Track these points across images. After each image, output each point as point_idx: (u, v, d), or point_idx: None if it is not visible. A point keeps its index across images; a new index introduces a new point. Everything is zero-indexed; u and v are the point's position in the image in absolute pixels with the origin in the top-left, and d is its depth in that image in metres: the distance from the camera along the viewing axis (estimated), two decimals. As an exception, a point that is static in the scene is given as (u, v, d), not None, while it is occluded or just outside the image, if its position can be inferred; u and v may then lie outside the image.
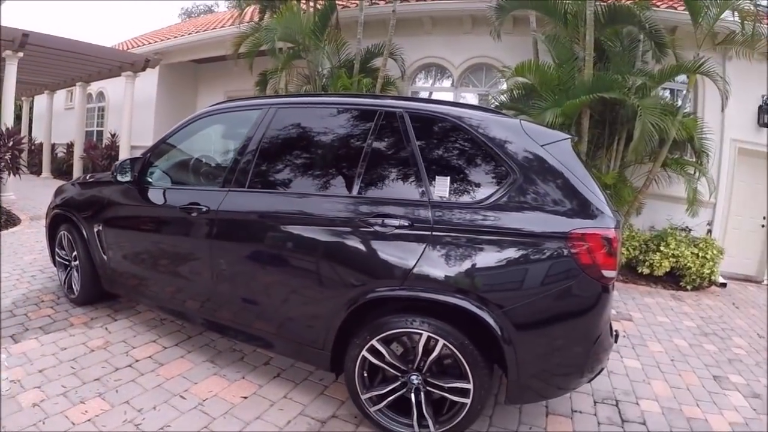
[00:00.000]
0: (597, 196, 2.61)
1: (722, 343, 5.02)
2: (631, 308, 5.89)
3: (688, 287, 7.16)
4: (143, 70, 13.05)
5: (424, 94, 10.61)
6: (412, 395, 2.74)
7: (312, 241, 2.95)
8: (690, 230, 7.77)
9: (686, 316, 5.88)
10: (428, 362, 2.69)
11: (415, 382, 2.72)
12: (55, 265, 5.00)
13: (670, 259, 7.15)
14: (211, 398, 3.21)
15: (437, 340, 2.60)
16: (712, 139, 7.80)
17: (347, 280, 2.84)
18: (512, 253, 2.52)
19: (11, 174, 9.47)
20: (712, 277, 7.35)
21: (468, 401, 2.62)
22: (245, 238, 3.30)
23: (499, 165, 2.68)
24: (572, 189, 2.59)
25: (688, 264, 7.07)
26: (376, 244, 2.75)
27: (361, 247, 2.79)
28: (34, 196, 11.45)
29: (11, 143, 9.24)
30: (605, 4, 7.35)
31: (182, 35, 13.71)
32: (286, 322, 3.19)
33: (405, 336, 2.81)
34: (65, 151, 16.42)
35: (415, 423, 2.73)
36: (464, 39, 9.70)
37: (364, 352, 2.79)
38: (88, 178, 5.09)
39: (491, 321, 2.49)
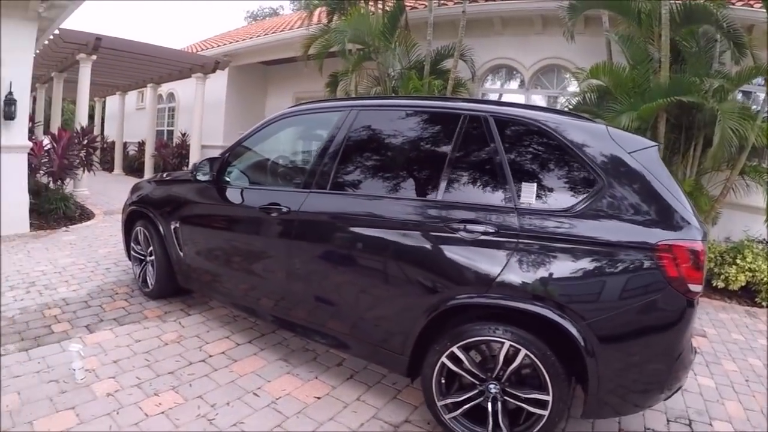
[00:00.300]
0: (684, 206, 2.58)
1: None
2: (705, 323, 5.72)
3: (764, 304, 6.83)
4: (213, 71, 13.50)
5: (494, 96, 10.67)
6: (489, 404, 2.72)
7: (394, 245, 2.98)
8: (768, 243, 7.52)
9: (761, 334, 5.64)
10: (508, 371, 2.67)
11: (493, 391, 2.71)
12: (130, 259, 5.26)
13: (746, 273, 6.85)
14: (284, 397, 3.28)
15: (519, 350, 2.58)
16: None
17: (429, 285, 2.85)
18: (598, 263, 2.50)
19: (85, 170, 10.28)
20: None
21: (546, 413, 2.60)
22: (326, 240, 3.33)
23: (585, 172, 2.66)
24: (659, 198, 2.56)
25: (765, 279, 6.79)
26: (460, 250, 2.74)
27: (445, 252, 2.79)
28: (106, 191, 12.20)
29: (86, 141, 10.00)
30: (680, 2, 7.19)
31: (250, 37, 14.22)
32: (365, 324, 3.22)
33: (484, 344, 2.79)
34: (136, 149, 17.23)
35: (490, 430, 2.73)
36: (535, 39, 9.70)
37: (443, 359, 2.79)
38: (164, 176, 5.33)
39: (575, 332, 2.46)
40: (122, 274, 5.61)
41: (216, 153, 12.57)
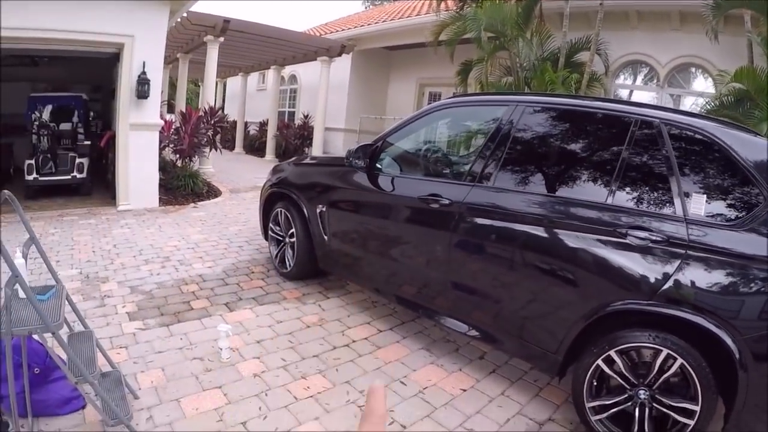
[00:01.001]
0: None
1: None
2: None
3: None
4: (339, 55, 14.27)
5: (625, 93, 10.90)
6: (637, 410, 2.78)
7: (559, 245, 3.07)
8: None
9: None
10: (661, 379, 2.73)
11: (642, 397, 2.76)
12: (266, 240, 5.56)
13: None
14: (431, 387, 3.39)
15: (676, 359, 2.63)
16: None
17: (593, 288, 2.94)
18: (758, 279, 2.50)
19: (212, 149, 10.75)
20: None
21: (692, 423, 2.62)
22: (490, 236, 3.40)
23: (752, 187, 2.67)
24: None
25: None
26: (627, 256, 2.81)
27: (612, 257, 2.86)
28: (229, 170, 12.92)
29: (214, 121, 10.50)
30: None
31: (375, 22, 14.73)
32: (522, 322, 3.31)
33: (642, 350, 2.81)
34: (257, 129, 18.26)
35: None
36: (672, 36, 9.69)
37: (599, 361, 2.86)
38: (308, 159, 5.61)
39: (731, 344, 2.47)
40: (256, 253, 5.91)
41: (339, 135, 14.62)
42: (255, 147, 18.08)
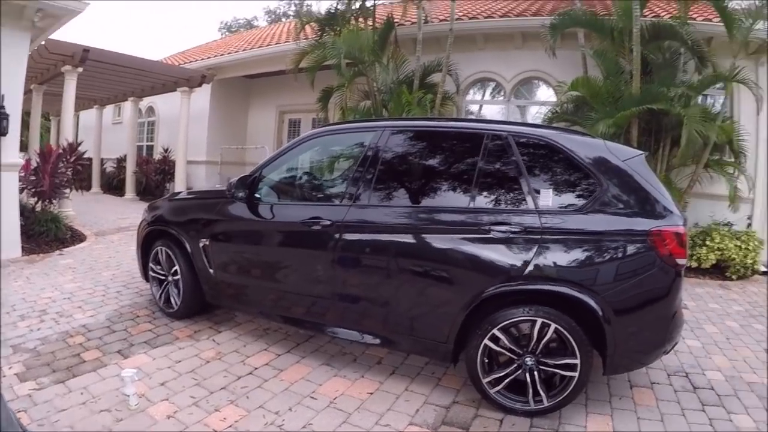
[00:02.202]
0: (667, 199, 3.36)
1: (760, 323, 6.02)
2: (685, 298, 6.42)
3: (734, 277, 8.27)
4: (199, 85, 13.90)
5: (475, 107, 11.84)
6: (527, 375, 3.31)
7: (432, 248, 3.56)
8: (732, 225, 8.86)
9: (734, 302, 6.90)
10: (541, 345, 3.29)
11: (529, 363, 3.30)
12: (147, 281, 5.40)
13: (716, 252, 8.22)
14: (340, 396, 3.61)
15: (550, 325, 3.22)
16: (748, 141, 8.93)
17: (470, 280, 3.42)
18: (606, 249, 3.23)
19: (73, 189, 9.97)
20: (755, 267, 8.51)
21: (576, 374, 3.23)
22: (372, 249, 3.79)
23: (590, 178, 3.38)
24: (649, 195, 3.32)
25: (732, 256, 8.17)
26: (493, 248, 3.36)
27: (480, 251, 3.40)
28: (89, 211, 12.03)
29: (73, 159, 9.71)
30: (649, 21, 8.55)
31: (236, 51, 14.72)
32: (413, 322, 3.70)
33: (521, 324, 3.37)
34: (115, 166, 17.37)
35: (530, 399, 3.32)
36: (515, 54, 10.79)
37: (486, 341, 3.35)
38: (185, 194, 5.58)
39: (594, 305, 3.15)
40: (136, 297, 5.70)
41: (201, 168, 14.41)
42: (113, 185, 17.22)
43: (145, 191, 15.51)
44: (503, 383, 3.40)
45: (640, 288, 3.25)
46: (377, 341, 3.89)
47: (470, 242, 3.44)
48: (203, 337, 4.60)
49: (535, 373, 3.31)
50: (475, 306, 3.39)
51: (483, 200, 3.57)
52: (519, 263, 3.29)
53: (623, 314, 3.21)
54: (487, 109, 11.85)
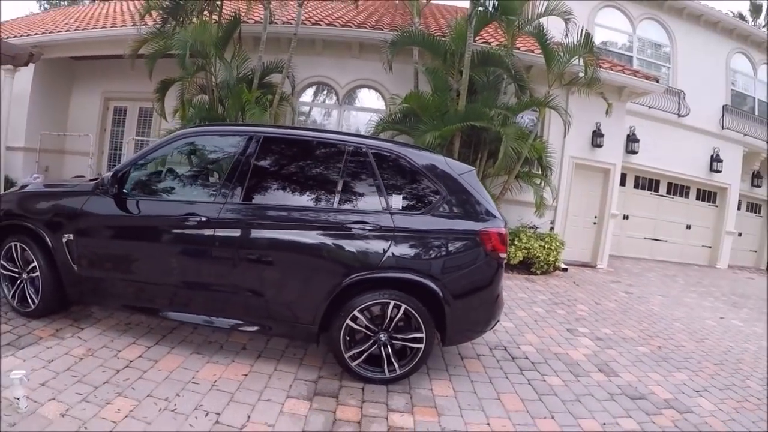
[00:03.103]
0: (492, 206, 4.28)
1: (569, 308, 7.40)
2: None
3: (538, 272, 9.76)
4: (26, 64, 11.97)
5: (309, 109, 12.37)
6: (382, 349, 4.01)
7: (299, 243, 4.04)
8: (537, 228, 10.37)
9: (539, 292, 8.21)
10: (393, 323, 4.00)
11: (383, 338, 4.01)
12: None
13: (523, 250, 9.58)
14: (219, 380, 3.90)
15: (401, 306, 3.95)
16: (555, 157, 10.44)
17: (335, 270, 3.98)
18: (446, 245, 4.06)
19: None
20: (557, 264, 10.07)
21: (422, 346, 4.01)
22: (246, 244, 4.13)
23: (432, 187, 4.17)
24: (477, 202, 4.19)
25: (537, 254, 9.62)
26: (353, 243, 3.98)
27: (342, 245, 3.99)
28: None
29: None
30: (479, 48, 9.66)
31: (68, 30, 13.40)
32: (284, 308, 4.15)
33: (373, 306, 4.01)
34: None
35: (386, 369, 4.01)
36: (352, 62, 11.48)
37: (347, 321, 3.97)
38: (42, 187, 5.38)
39: (437, 288, 3.93)
40: None
41: (18, 156, 13.36)
42: None
43: None
44: (362, 357, 4.06)
45: (471, 276, 4.14)
46: (255, 328, 4.29)
47: (333, 237, 4.02)
48: (68, 335, 4.47)
49: (389, 347, 4.04)
50: (339, 292, 3.98)
51: (345, 203, 4.16)
52: (375, 255, 3.97)
53: (458, 297, 4.05)
54: (319, 111, 12.49)
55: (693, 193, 15.52)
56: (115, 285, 4.55)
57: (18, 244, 4.67)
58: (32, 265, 4.60)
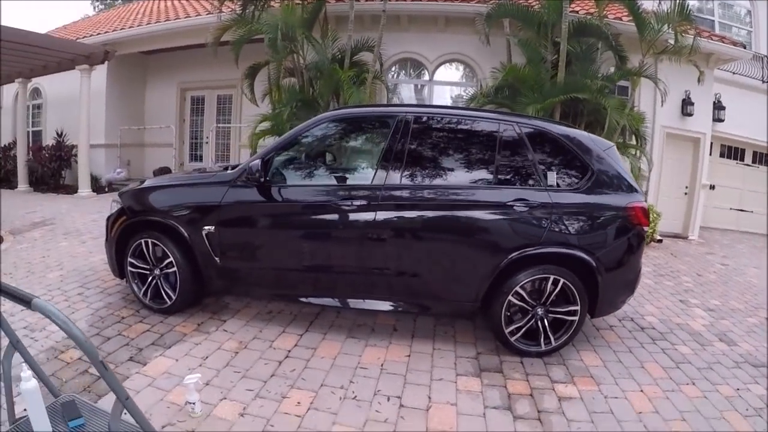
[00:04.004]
0: (633, 180, 4.41)
1: (675, 280, 7.53)
2: None
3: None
4: (102, 62, 12.82)
5: (401, 87, 12.47)
6: (539, 323, 4.18)
7: (468, 222, 4.15)
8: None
9: (643, 264, 8.22)
10: (552, 297, 4.16)
11: (540, 312, 4.18)
12: (121, 278, 5.04)
13: None
14: (385, 363, 4.01)
15: (559, 280, 4.10)
16: (648, 127, 10.36)
17: (497, 247, 4.11)
18: (599, 219, 4.20)
19: None
20: (653, 235, 10.15)
21: (576, 318, 4.18)
22: (409, 224, 4.23)
23: (581, 162, 4.26)
24: (621, 177, 4.32)
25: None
26: (517, 220, 4.09)
27: (509, 222, 4.10)
28: None
29: None
30: (575, 18, 9.67)
31: (139, 24, 13.79)
32: (447, 287, 4.31)
33: (534, 282, 4.15)
34: (0, 155, 15.46)
35: (541, 341, 4.18)
36: (438, 37, 11.48)
37: (510, 297, 4.12)
38: (169, 180, 5.36)
39: (593, 262, 4.08)
40: (104, 296, 5.24)
41: (100, 152, 13.94)
42: (0, 177, 14.63)
43: (38, 181, 14.12)
44: (520, 332, 4.23)
45: (620, 249, 4.27)
46: (414, 309, 4.54)
47: (497, 216, 4.14)
48: (212, 329, 4.50)
49: (545, 320, 4.20)
50: (503, 268, 4.12)
51: (503, 180, 4.28)
52: (536, 232, 4.10)
53: (609, 270, 4.19)
54: (409, 88, 12.54)
55: (782, 163, 15.10)
56: (262, 275, 4.65)
57: (149, 240, 4.68)
58: (167, 261, 4.62)
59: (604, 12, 9.76)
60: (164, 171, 13.17)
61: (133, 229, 4.78)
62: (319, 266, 4.48)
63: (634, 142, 10.02)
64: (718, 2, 14.49)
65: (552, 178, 4.25)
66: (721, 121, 12.89)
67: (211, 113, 15.02)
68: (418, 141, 4.43)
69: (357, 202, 4.20)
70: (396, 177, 4.28)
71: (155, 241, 4.66)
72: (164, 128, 14.37)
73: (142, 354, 4.01)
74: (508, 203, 4.11)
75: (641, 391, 3.88)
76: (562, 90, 8.79)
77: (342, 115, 4.98)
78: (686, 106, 11.35)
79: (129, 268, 4.81)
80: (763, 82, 13.75)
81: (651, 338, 4.97)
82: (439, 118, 4.67)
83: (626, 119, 9.09)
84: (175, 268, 4.59)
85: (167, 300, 4.69)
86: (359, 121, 5.07)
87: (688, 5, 9.07)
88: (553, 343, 4.22)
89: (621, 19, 10.23)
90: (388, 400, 3.51)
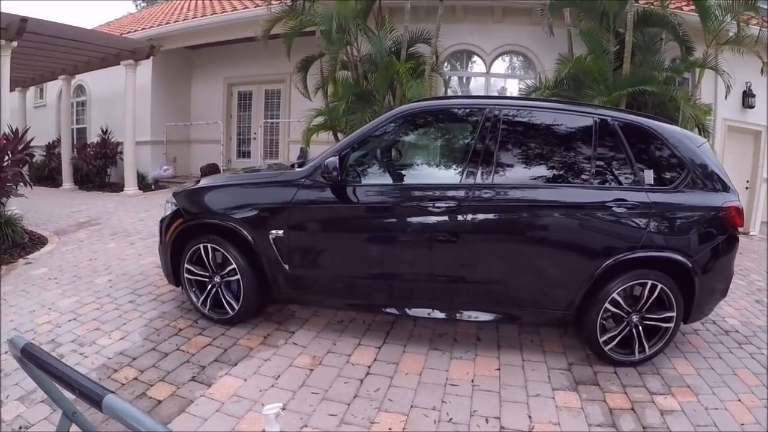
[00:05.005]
0: (728, 178, 4.16)
1: (745, 278, 7.29)
2: None
3: None
4: (147, 57, 12.84)
5: (456, 79, 12.51)
6: (634, 330, 3.96)
7: (567, 225, 3.97)
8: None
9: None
10: (648, 303, 3.95)
11: (635, 320, 3.96)
12: (177, 285, 4.78)
13: None
14: (475, 378, 3.80)
15: (657, 286, 3.88)
16: (710, 119, 10.23)
17: (596, 252, 3.92)
18: (696, 220, 4.04)
19: (23, 185, 7.84)
20: None
21: (672, 325, 3.98)
22: (504, 227, 4.09)
23: (677, 160, 4.07)
24: (717, 175, 4.11)
25: None
26: (615, 221, 3.90)
27: (607, 225, 3.92)
28: (31, 207, 9.69)
29: (21, 148, 7.70)
30: (641, 8, 9.63)
31: (184, 19, 13.96)
32: (538, 297, 4.12)
33: (632, 287, 3.96)
34: (44, 153, 15.53)
35: (636, 350, 3.97)
36: (494, 27, 11.48)
37: (606, 304, 3.90)
38: (227, 179, 5.10)
39: (690, 265, 3.87)
40: (158, 304, 4.97)
41: (146, 149, 14.15)
42: (44, 176, 15.19)
43: (84, 180, 14.29)
44: (615, 341, 4.02)
45: (716, 251, 4.05)
46: (500, 318, 4.26)
47: (595, 217, 3.96)
48: (280, 342, 4.24)
49: (640, 328, 3.98)
50: (601, 273, 3.92)
51: (600, 179, 4.09)
52: (635, 235, 3.90)
53: (705, 273, 3.99)
54: (463, 80, 12.62)
55: (836, 157, 15.11)
56: (339, 283, 4.39)
57: (208, 245, 4.38)
58: (229, 268, 4.34)
59: (667, 2, 9.70)
60: (212, 168, 13.38)
61: (190, 233, 4.51)
62: (400, 273, 4.26)
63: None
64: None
65: (649, 176, 4.04)
66: (780, 113, 12.77)
67: (259, 108, 15.02)
68: (511, 136, 4.23)
69: (446, 204, 3.96)
70: (487, 176, 4.05)
71: (215, 246, 4.36)
72: (211, 124, 14.43)
73: (205, 373, 3.73)
74: (607, 203, 3.92)
75: (739, 400, 3.74)
76: (629, 82, 8.75)
77: (420, 107, 4.70)
78: (747, 98, 11.23)
79: (186, 275, 4.54)
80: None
81: (737, 342, 4.79)
82: (530, 112, 4.41)
83: (693, 111, 9.00)
84: (238, 276, 4.30)
85: (229, 310, 4.42)
86: (441, 115, 4.87)
87: (755, -6, 9.01)
88: (647, 352, 4.03)
89: (681, 9, 10.20)
90: (487, 422, 3.31)
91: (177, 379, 3.60)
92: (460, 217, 3.96)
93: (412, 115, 4.59)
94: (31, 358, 1.51)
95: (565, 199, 4.02)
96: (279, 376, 3.70)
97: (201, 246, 4.40)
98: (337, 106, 9.53)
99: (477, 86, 12.48)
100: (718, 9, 9.14)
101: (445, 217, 3.98)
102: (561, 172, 4.19)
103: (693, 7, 9.51)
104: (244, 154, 15.61)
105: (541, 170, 4.22)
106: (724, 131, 11.19)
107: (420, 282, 4.21)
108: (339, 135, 10.07)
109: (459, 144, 4.70)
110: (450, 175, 4.44)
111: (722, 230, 4.06)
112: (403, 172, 4.96)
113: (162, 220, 4.74)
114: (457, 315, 4.22)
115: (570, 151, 4.26)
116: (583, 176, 4.11)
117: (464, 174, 4.10)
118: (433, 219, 4.01)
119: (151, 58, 13.19)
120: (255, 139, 14.88)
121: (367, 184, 4.30)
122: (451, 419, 3.27)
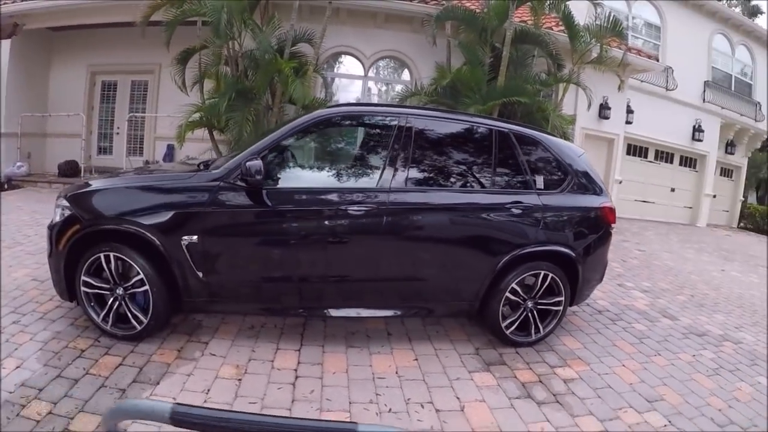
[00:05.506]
0: (602, 183, 4.97)
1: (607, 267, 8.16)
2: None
3: None
4: (9, 37, 11.46)
5: (337, 80, 12.77)
6: (530, 314, 4.58)
7: (469, 223, 4.39)
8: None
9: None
10: (541, 290, 4.58)
11: (530, 305, 4.56)
12: (70, 300, 4.22)
13: None
14: (400, 369, 4.06)
15: (548, 275, 4.54)
16: (571, 128, 11.41)
17: (498, 248, 4.41)
18: (578, 218, 4.73)
19: None
20: None
21: (561, 308, 4.67)
22: (418, 228, 4.35)
23: (562, 167, 4.75)
24: (594, 180, 4.86)
25: None
26: (515, 221, 4.43)
27: (507, 224, 4.44)
28: None
29: None
30: (519, 26, 10.45)
31: None
32: (447, 291, 4.52)
33: (528, 277, 4.54)
34: None
35: (533, 332, 4.60)
36: (376, 32, 11.92)
37: (506, 294, 4.45)
38: (134, 180, 4.52)
39: (574, 256, 4.57)
40: (48, 324, 4.28)
41: (-1, 141, 12.02)
42: None
43: None
44: (514, 325, 4.58)
45: (595, 244, 4.80)
46: (415, 313, 4.59)
47: (499, 218, 4.45)
48: (197, 355, 4.00)
49: (535, 312, 4.61)
50: (502, 266, 4.42)
51: (500, 184, 4.60)
52: (530, 231, 4.49)
53: (587, 263, 4.71)
54: (346, 83, 12.87)
55: (677, 160, 17.96)
56: (254, 289, 4.28)
57: (110, 254, 3.98)
58: (136, 278, 3.99)
59: (542, 21, 10.68)
60: (71, 165, 12.26)
61: (88, 241, 4.05)
62: (328, 275, 4.26)
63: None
64: (633, 19, 16.48)
65: (539, 181, 4.64)
66: (630, 123, 14.74)
67: (124, 101, 13.72)
68: (424, 144, 4.51)
69: (365, 207, 4.08)
70: (403, 180, 4.25)
71: (119, 255, 3.96)
72: (72, 116, 12.73)
73: (127, 396, 3.39)
74: (507, 205, 4.43)
75: (623, 365, 4.55)
76: (503, 93, 9.49)
77: (339, 113, 4.91)
78: (603, 110, 13.00)
79: (84, 289, 4.05)
80: (666, 89, 15.85)
81: (610, 319, 5.68)
82: (442, 122, 4.75)
83: (559, 121, 9.94)
84: (146, 287, 3.95)
85: (136, 324, 4.03)
86: (358, 121, 5.04)
87: (620, 23, 10.27)
88: (542, 332, 4.66)
89: (552, 29, 11.23)
90: (423, 407, 3.56)
91: (98, 408, 3.20)
92: (378, 219, 4.14)
93: (333, 119, 4.74)
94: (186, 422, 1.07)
95: (473, 202, 4.49)
96: (208, 390, 3.53)
97: (102, 255, 3.97)
98: (218, 103, 9.12)
99: (355, 89, 12.89)
100: (587, 32, 10.33)
101: (366, 219, 4.12)
102: (467, 178, 4.66)
103: (563, 28, 10.53)
104: (104, 150, 14.10)
105: (451, 176, 4.65)
106: (582, 138, 12.64)
107: (346, 282, 4.30)
108: (214, 133, 9.95)
109: (376, 149, 4.86)
110: (366, 179, 4.50)
111: (599, 227, 4.82)
112: (320, 175, 5.05)
113: (51, 227, 4.18)
114: (382, 312, 4.45)
115: (476, 158, 4.74)
116: (486, 181, 4.59)
117: (381, 178, 4.24)
118: (351, 221, 4.12)
119: (12, 38, 11.65)
120: (118, 134, 13.67)
121: (288, 188, 4.24)
122: (390, 409, 3.49)
